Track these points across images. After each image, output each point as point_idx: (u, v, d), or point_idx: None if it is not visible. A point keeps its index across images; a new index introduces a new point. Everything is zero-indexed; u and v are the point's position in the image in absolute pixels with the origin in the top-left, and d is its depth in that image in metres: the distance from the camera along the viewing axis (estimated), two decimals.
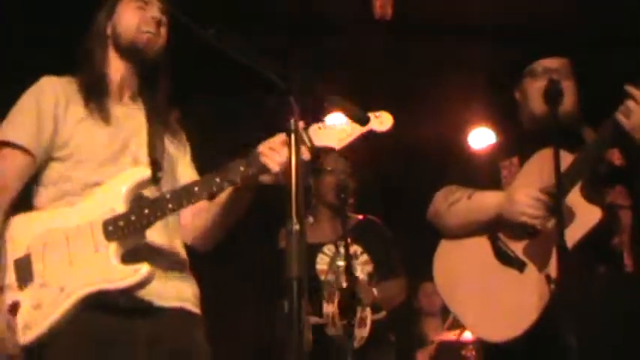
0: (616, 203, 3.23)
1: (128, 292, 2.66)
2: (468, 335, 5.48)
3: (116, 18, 2.93)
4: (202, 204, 2.90)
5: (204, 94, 5.73)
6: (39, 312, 2.65)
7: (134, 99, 2.96)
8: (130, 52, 2.91)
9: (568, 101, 3.20)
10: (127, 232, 2.67)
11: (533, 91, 3.31)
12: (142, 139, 2.89)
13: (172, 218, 2.87)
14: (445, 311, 5.83)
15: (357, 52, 5.82)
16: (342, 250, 4.60)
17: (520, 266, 3.18)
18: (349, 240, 4.59)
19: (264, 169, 2.70)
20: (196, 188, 2.70)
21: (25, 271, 2.70)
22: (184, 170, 3.01)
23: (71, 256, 2.69)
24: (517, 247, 3.21)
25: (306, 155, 2.62)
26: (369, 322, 4.55)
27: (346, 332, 4.40)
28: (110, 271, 2.65)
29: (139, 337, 2.70)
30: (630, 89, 3.07)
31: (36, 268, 2.70)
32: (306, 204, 4.83)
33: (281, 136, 2.64)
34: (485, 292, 3.23)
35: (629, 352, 3.05)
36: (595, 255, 3.11)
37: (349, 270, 4.49)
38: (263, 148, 2.70)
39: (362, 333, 4.53)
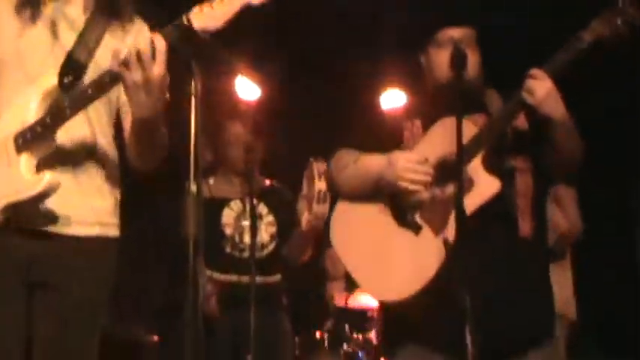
0: (516, 167, 3.27)
1: (37, 203, 2.67)
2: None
3: None
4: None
5: None
6: None
7: None
8: None
9: (471, 70, 3.21)
10: (35, 142, 2.67)
11: (438, 59, 3.33)
12: (69, 41, 2.82)
13: (95, 114, 2.84)
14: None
15: (264, 15, 5.78)
16: (247, 208, 4.63)
17: (416, 228, 3.20)
18: (255, 200, 4.62)
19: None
20: (89, 90, 2.68)
21: None
22: None
23: None
24: (414, 210, 3.22)
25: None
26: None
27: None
28: (19, 182, 2.67)
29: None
30: (532, 70, 3.12)
31: None
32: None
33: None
34: (381, 252, 3.25)
35: (520, 314, 3.13)
36: (490, 221, 3.14)
37: (253, 230, 4.55)
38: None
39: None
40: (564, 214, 4.81)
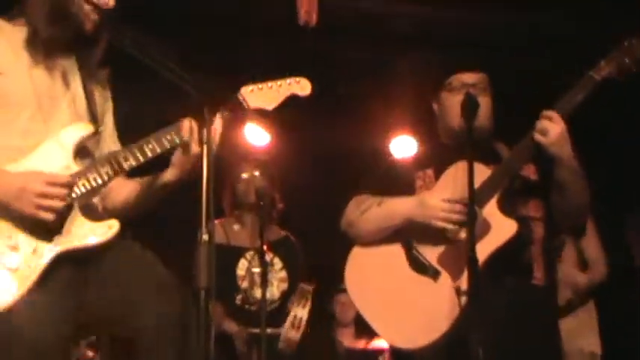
0: (529, 216, 3.29)
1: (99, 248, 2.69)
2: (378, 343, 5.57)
3: None
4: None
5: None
6: (16, 275, 2.57)
7: (68, 51, 2.86)
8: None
9: (483, 116, 3.24)
10: (89, 189, 2.70)
11: (451, 105, 3.34)
12: (79, 92, 2.85)
13: None
14: (358, 321, 5.91)
15: (282, 57, 5.82)
16: (260, 261, 4.66)
17: (434, 274, 3.20)
18: (267, 248, 4.65)
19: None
20: (151, 145, 2.76)
21: None
22: (106, 129, 2.97)
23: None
24: (431, 256, 3.23)
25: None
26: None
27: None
28: (82, 228, 2.67)
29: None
30: (546, 112, 3.14)
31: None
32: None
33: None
34: (398, 299, 3.24)
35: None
36: (505, 267, 3.14)
37: (264, 277, 4.56)
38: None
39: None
40: (590, 263, 4.84)
